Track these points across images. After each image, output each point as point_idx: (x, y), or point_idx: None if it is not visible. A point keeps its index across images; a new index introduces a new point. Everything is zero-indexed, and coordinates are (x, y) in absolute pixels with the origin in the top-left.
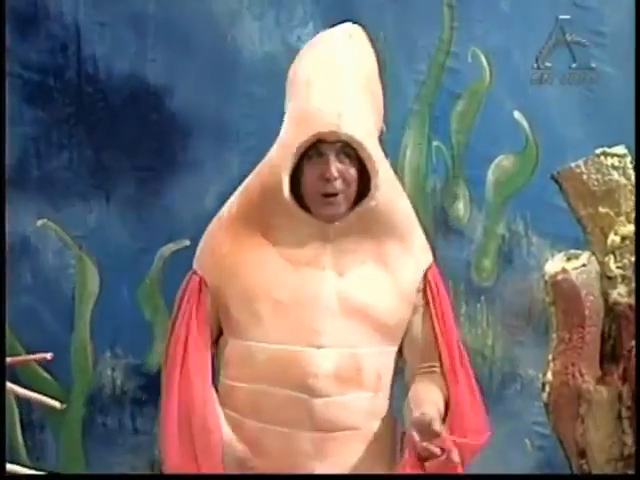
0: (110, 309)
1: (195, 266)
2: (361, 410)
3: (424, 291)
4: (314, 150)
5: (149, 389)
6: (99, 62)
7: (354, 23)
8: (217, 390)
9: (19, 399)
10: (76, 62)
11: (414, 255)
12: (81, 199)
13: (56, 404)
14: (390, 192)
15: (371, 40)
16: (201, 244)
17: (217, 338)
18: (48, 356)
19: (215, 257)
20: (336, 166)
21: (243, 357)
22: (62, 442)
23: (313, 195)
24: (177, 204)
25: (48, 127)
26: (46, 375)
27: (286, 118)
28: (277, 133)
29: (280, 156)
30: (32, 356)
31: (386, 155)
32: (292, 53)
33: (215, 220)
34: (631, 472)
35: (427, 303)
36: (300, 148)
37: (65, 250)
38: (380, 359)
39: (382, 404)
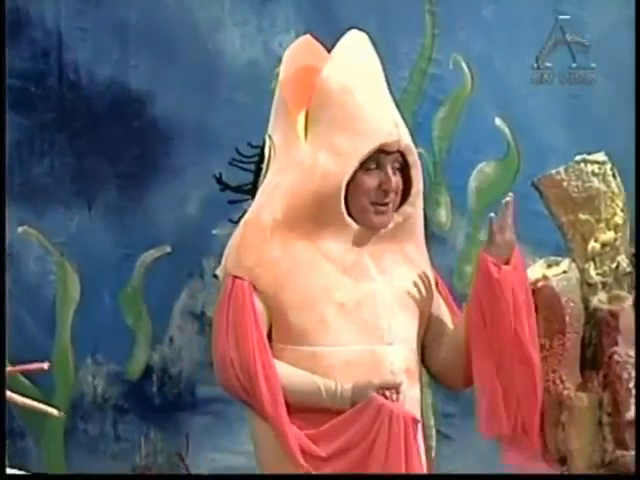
0: (91, 316)
1: (236, 272)
2: (420, 402)
3: (436, 284)
4: (371, 160)
5: (131, 396)
6: (81, 68)
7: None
8: None
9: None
10: (58, 68)
11: (427, 258)
12: (62, 205)
13: (54, 412)
14: (421, 199)
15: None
16: (237, 250)
17: None
18: (45, 366)
19: (266, 263)
20: (394, 178)
21: (312, 364)
22: (44, 449)
23: (365, 203)
24: (159, 211)
25: (29, 133)
26: (27, 382)
27: (325, 125)
28: (259, 139)
29: (336, 164)
30: (29, 366)
31: None
32: (274, 60)
33: (250, 225)
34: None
35: (439, 292)
36: (362, 159)
37: (46, 256)
38: (420, 350)
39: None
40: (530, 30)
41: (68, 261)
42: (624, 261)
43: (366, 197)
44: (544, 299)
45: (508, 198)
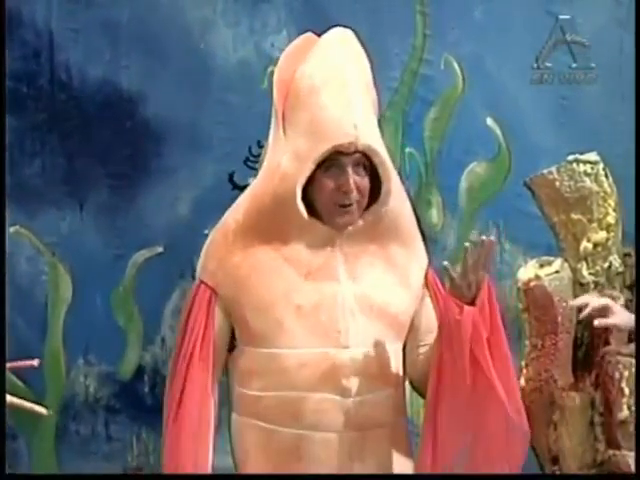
0: (83, 316)
1: (202, 277)
2: (389, 407)
3: (426, 286)
4: (331, 161)
5: (122, 396)
6: (72, 69)
7: (328, 31)
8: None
9: None
10: (49, 69)
11: (418, 258)
12: (54, 206)
13: (43, 410)
14: (397, 198)
15: (362, 44)
16: (205, 254)
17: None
18: (35, 363)
19: (226, 268)
20: (354, 179)
21: (269, 366)
22: (35, 450)
23: (328, 205)
24: (150, 211)
25: (21, 134)
26: (19, 383)
27: (293, 127)
28: (250, 140)
29: (294, 166)
30: (19, 363)
31: None
32: (266, 60)
33: (219, 229)
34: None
35: (430, 294)
36: (316, 160)
37: (38, 257)
38: (398, 355)
39: (403, 399)
40: (521, 30)
41: (60, 261)
42: (616, 261)
43: (328, 198)
44: (536, 299)
45: (484, 238)
